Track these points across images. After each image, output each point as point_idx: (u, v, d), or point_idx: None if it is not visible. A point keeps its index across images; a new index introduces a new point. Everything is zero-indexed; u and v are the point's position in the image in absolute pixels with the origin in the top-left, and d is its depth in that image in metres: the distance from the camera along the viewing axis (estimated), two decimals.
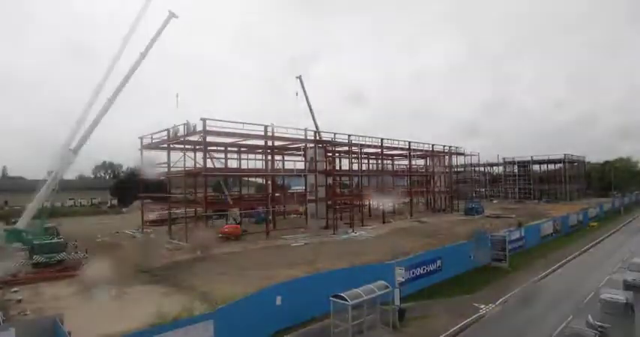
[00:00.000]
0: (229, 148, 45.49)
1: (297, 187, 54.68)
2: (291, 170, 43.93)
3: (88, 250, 26.62)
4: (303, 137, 40.05)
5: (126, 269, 23.77)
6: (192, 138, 36.09)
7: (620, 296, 14.88)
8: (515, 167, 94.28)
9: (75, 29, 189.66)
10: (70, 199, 76.06)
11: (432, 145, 59.23)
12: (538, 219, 45.02)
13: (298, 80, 48.59)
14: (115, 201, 79.02)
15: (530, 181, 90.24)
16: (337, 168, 51.04)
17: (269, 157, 40.22)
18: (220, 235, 35.05)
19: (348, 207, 46.36)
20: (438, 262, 20.61)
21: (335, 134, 43.70)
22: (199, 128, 33.11)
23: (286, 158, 49.73)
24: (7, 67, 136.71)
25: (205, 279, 21.02)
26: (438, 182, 62.49)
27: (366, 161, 56.07)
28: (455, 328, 14.41)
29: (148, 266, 24.33)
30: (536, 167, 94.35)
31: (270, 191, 43.10)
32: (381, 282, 14.54)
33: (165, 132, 37.60)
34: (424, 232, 38.76)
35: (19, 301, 17.74)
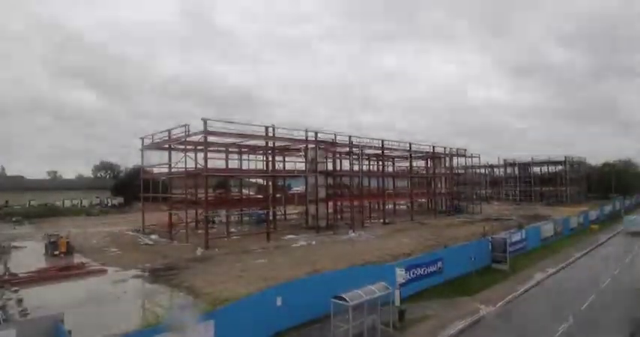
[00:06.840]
0: (230, 149, 45.47)
1: (298, 188, 54.67)
2: (292, 171, 43.90)
3: None
4: (303, 138, 40.06)
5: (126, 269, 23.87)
6: (192, 139, 36.06)
7: None
8: (516, 169, 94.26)
9: None
10: (68, 199, 75.97)
11: (433, 147, 59.22)
12: (538, 221, 45.00)
13: None
14: (115, 201, 79.00)
15: (530, 183, 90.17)
16: (338, 168, 50.99)
17: (270, 158, 40.17)
18: None
19: (349, 208, 46.31)
20: (439, 263, 20.58)
21: (335, 135, 43.68)
22: (200, 129, 33.05)
23: (287, 158, 49.70)
24: None
25: (206, 280, 21.01)
26: (439, 184, 62.43)
27: (366, 162, 56.05)
28: (455, 329, 14.41)
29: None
30: (536, 169, 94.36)
31: (270, 192, 43.05)
32: (382, 283, 14.53)
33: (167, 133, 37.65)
34: (425, 233, 38.73)
35: (20, 301, 17.72)
